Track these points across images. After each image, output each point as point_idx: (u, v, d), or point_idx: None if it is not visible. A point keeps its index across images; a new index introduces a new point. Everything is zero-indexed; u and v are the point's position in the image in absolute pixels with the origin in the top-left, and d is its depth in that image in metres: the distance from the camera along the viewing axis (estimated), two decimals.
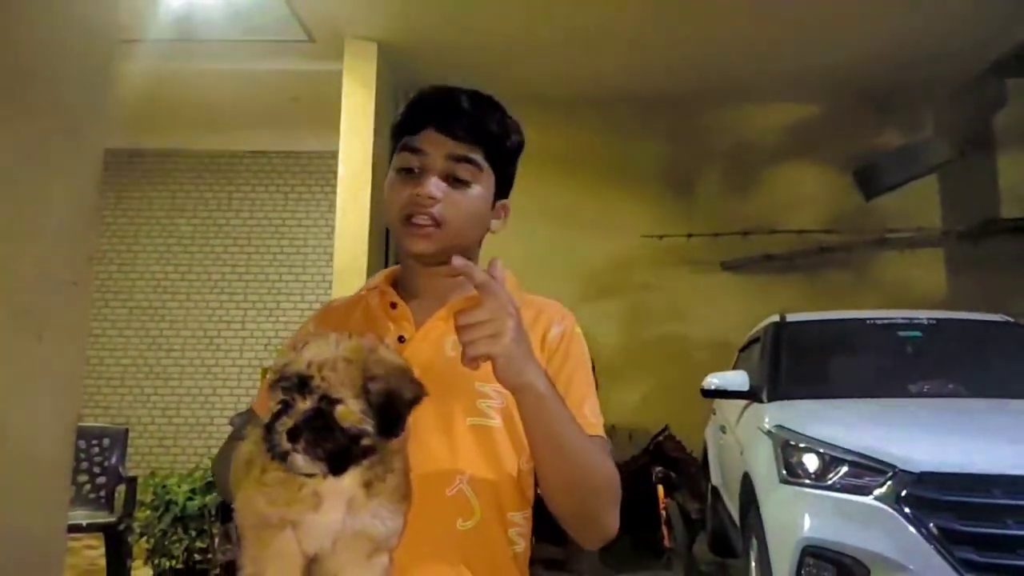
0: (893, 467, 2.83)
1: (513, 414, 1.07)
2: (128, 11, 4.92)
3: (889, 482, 2.81)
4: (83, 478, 4.55)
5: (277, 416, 0.81)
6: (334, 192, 5.74)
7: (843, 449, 3.00)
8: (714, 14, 5.30)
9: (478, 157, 1.15)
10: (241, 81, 6.09)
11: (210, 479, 3.77)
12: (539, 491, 1.13)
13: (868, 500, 2.82)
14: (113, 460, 4.57)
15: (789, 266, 6.46)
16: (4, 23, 1.76)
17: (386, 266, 6.16)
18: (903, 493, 2.76)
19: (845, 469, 2.94)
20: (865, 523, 2.79)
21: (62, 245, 2.10)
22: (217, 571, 2.31)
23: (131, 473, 4.64)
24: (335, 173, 5.71)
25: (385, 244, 6.17)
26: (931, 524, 2.69)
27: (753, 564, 3.44)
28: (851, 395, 3.70)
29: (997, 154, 6.11)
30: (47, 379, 1.97)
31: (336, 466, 0.82)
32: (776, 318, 4.37)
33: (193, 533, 3.62)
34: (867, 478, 2.88)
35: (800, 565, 2.88)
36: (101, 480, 4.58)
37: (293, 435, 0.80)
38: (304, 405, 0.81)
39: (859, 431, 3.12)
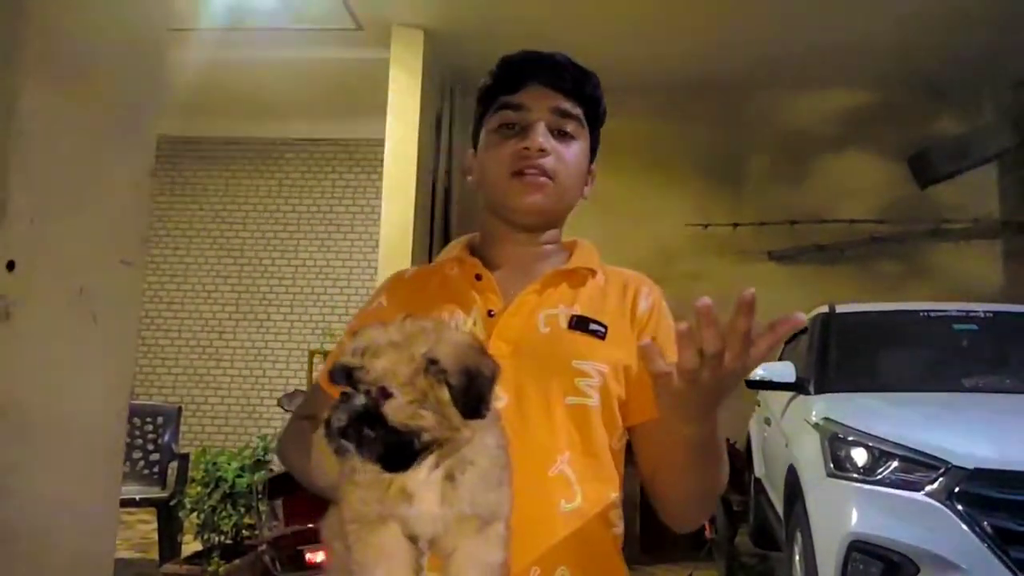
0: (946, 463, 2.75)
1: (609, 392, 1.06)
2: (181, 0, 5.02)
3: (941, 478, 2.74)
4: (137, 455, 4.71)
5: (333, 410, 0.76)
6: (381, 179, 5.79)
7: (893, 443, 2.92)
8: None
9: (580, 114, 1.15)
10: (291, 69, 6.17)
11: (259, 457, 3.86)
12: (650, 491, 1.11)
13: (919, 496, 2.75)
14: (166, 438, 4.72)
15: (839, 257, 6.31)
16: (59, 15, 1.81)
17: (430, 255, 6.26)
18: (956, 490, 2.69)
19: (895, 464, 2.87)
20: (915, 520, 2.72)
21: (117, 227, 2.15)
22: (264, 547, 2.38)
23: (184, 451, 4.78)
24: (382, 161, 5.76)
25: (430, 231, 6.21)
26: (985, 523, 2.61)
27: (797, 558, 3.39)
28: (902, 389, 3.61)
29: None
30: (101, 358, 2.02)
31: (391, 464, 0.76)
32: (825, 309, 4.27)
33: (242, 510, 3.70)
34: (918, 474, 2.80)
35: (847, 560, 2.82)
36: (154, 457, 4.73)
37: (344, 433, 0.75)
38: (358, 400, 0.75)
39: (910, 425, 3.04)
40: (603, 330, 1.10)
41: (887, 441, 2.94)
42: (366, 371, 0.75)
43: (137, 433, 4.70)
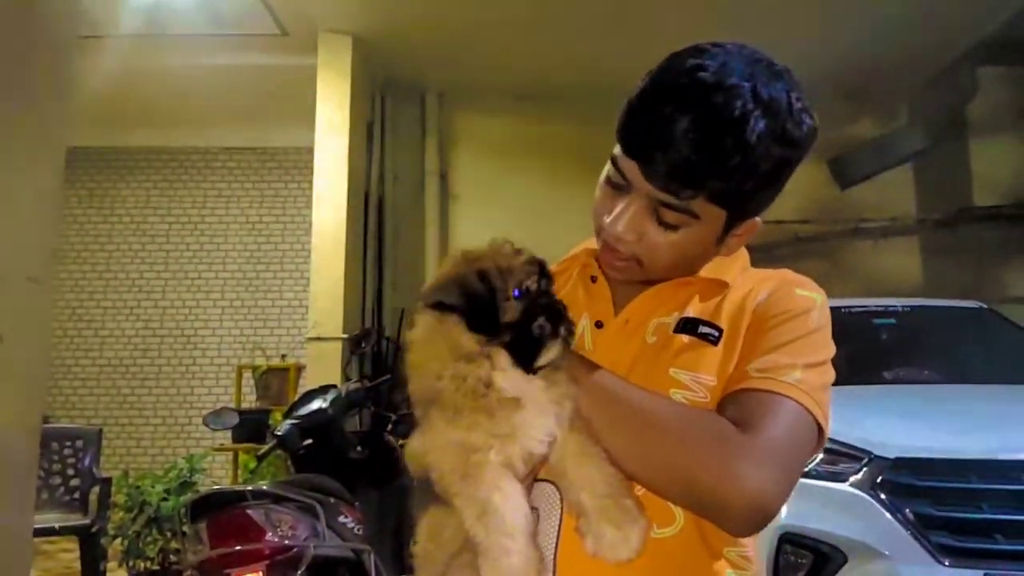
0: (869, 453, 2.84)
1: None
2: (95, 7, 4.84)
3: (865, 469, 2.82)
4: (56, 480, 4.49)
5: None
6: (311, 188, 5.69)
7: None
8: (687, 4, 5.30)
9: (694, 204, 0.91)
10: (213, 76, 6.01)
11: (185, 479, 3.72)
12: None
13: (844, 487, 2.82)
14: (87, 462, 4.50)
15: (767, 257, 6.37)
16: None
17: (364, 265, 6.17)
18: (879, 479, 2.77)
19: (821, 456, 2.94)
20: (842, 510, 2.80)
21: (23, 243, 2.06)
22: (189, 572, 2.29)
23: (106, 475, 4.58)
24: (312, 169, 5.65)
25: (363, 241, 6.12)
26: (907, 510, 2.70)
27: None
28: None
29: (970, 142, 6.17)
30: (10, 379, 1.94)
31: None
32: None
33: (168, 534, 3.57)
34: (843, 465, 2.88)
35: (778, 552, 2.88)
36: (75, 482, 4.51)
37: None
38: None
39: (834, 418, 3.10)
40: (716, 334, 0.97)
41: None
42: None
43: (55, 458, 4.47)
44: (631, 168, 0.91)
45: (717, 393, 0.93)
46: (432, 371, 0.83)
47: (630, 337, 0.98)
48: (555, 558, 0.90)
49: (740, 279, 1.03)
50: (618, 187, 0.95)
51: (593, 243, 1.07)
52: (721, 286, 1.01)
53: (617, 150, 0.94)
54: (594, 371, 0.89)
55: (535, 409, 0.81)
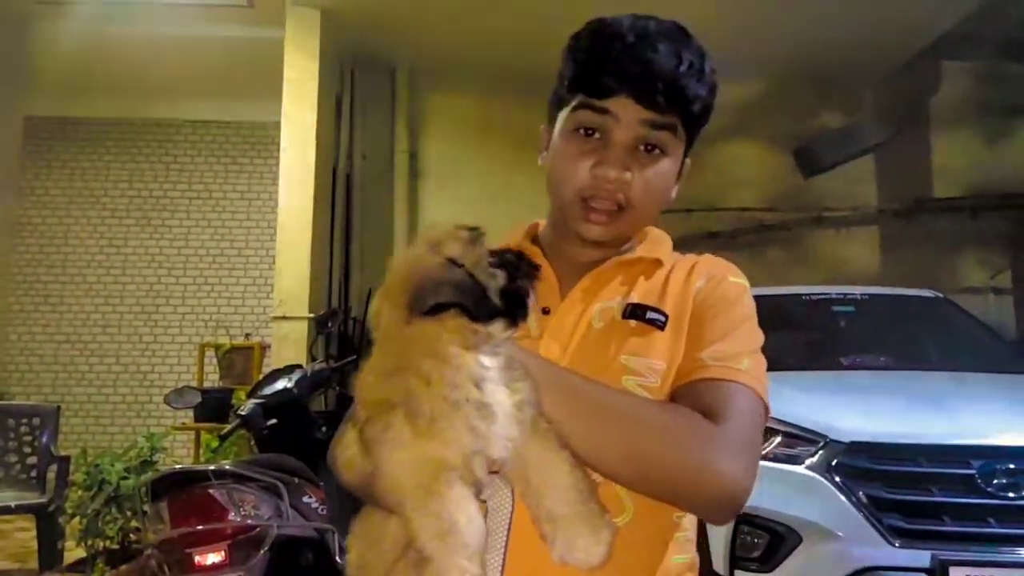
0: (824, 437, 2.90)
1: (666, 394, 0.95)
2: None
3: (820, 452, 2.89)
4: (12, 458, 4.41)
5: None
6: (277, 164, 5.61)
7: (776, 420, 3.06)
8: None
9: (677, 123, 0.98)
10: (177, 47, 5.87)
11: (146, 458, 3.68)
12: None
13: (800, 470, 2.89)
14: (44, 439, 4.42)
15: (731, 243, 6.57)
16: None
17: (331, 242, 6.11)
18: (834, 463, 2.84)
19: (778, 440, 3.01)
20: (798, 492, 2.86)
21: None
22: (150, 551, 2.27)
23: (64, 453, 4.50)
24: (279, 144, 5.57)
25: (331, 218, 6.07)
26: (860, 492, 2.77)
27: None
28: (784, 368, 3.78)
29: (931, 135, 6.30)
30: None
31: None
32: None
33: (128, 513, 3.53)
34: (799, 448, 2.95)
35: (735, 533, 2.95)
36: (31, 460, 4.44)
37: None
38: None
39: (792, 403, 3.18)
40: (663, 319, 0.99)
41: (770, 418, 3.07)
42: None
43: (11, 435, 4.39)
44: (617, 104, 0.95)
45: (666, 376, 0.95)
46: (407, 370, 0.79)
47: (576, 321, 0.99)
48: (505, 553, 0.90)
49: (672, 261, 1.07)
50: (593, 133, 0.98)
51: (527, 226, 1.12)
52: (657, 264, 1.05)
53: (580, 99, 0.98)
54: (555, 371, 0.88)
55: (503, 416, 0.79)
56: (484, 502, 0.82)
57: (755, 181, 6.75)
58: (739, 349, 0.96)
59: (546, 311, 1.00)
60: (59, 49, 5.07)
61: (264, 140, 7.00)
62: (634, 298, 1.01)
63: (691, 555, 1.00)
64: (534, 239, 1.11)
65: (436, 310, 0.78)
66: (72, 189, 7.12)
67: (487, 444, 0.78)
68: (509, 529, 0.91)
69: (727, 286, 1.03)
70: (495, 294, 0.80)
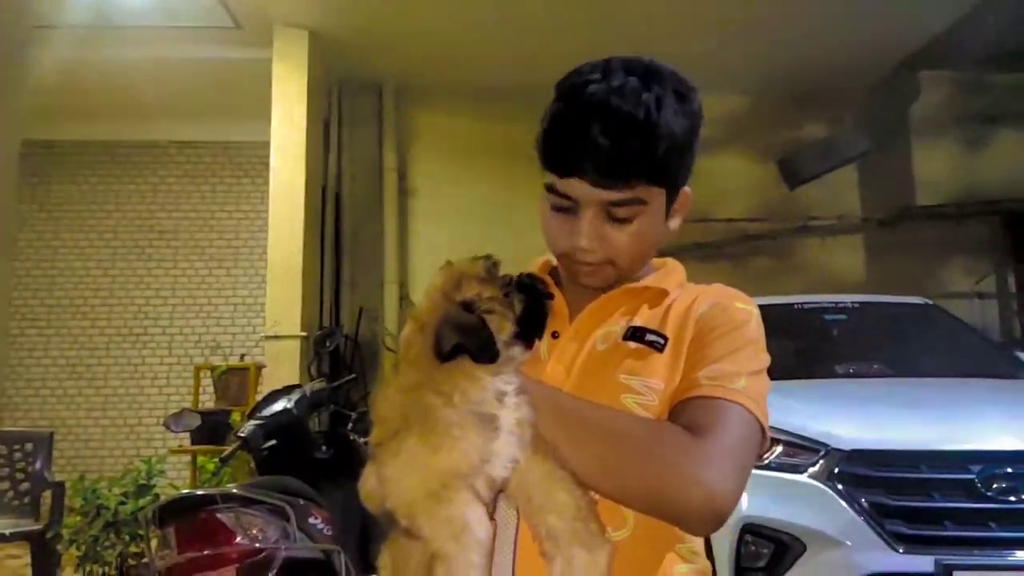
0: (825, 446, 2.93)
1: (665, 413, 0.97)
2: None
3: (821, 460, 2.92)
4: (4, 485, 4.34)
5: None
6: (266, 184, 5.59)
7: (777, 429, 3.08)
8: (646, 7, 5.38)
9: (640, 192, 1.00)
10: (165, 69, 5.86)
11: (143, 482, 3.64)
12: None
13: (802, 478, 2.92)
14: (37, 465, 4.36)
15: (717, 254, 6.62)
16: None
17: (321, 263, 6.09)
18: (835, 470, 2.87)
19: (780, 449, 3.04)
20: (800, 501, 2.89)
21: None
22: None
23: (57, 478, 4.44)
24: (267, 165, 5.56)
25: (320, 239, 6.06)
26: (862, 499, 2.80)
27: None
28: (781, 377, 3.80)
29: (912, 144, 6.40)
30: None
31: None
32: None
33: (127, 538, 3.49)
34: (801, 457, 2.98)
35: (740, 543, 2.96)
36: (25, 486, 4.37)
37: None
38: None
39: (791, 412, 3.21)
40: (662, 341, 1.03)
41: (771, 428, 3.10)
42: None
43: (3, 462, 4.32)
44: (573, 185, 0.99)
45: (664, 396, 0.98)
46: (427, 387, 0.85)
47: (581, 344, 1.04)
48: (513, 569, 0.94)
49: (679, 291, 1.10)
50: (565, 210, 1.02)
51: (544, 261, 1.17)
52: (663, 294, 1.09)
53: (550, 178, 1.02)
54: (549, 392, 0.93)
55: (507, 434, 0.84)
56: (492, 517, 0.84)
57: (741, 192, 6.82)
58: (738, 369, 0.99)
59: (555, 335, 1.06)
60: (45, 72, 5.04)
61: (252, 160, 6.98)
62: (637, 323, 1.05)
63: (698, 565, 1.02)
64: (551, 270, 1.16)
65: (451, 355, 0.84)
66: (58, 212, 7.06)
67: (494, 461, 0.83)
68: (516, 544, 0.94)
69: (733, 311, 1.06)
70: (512, 323, 0.88)
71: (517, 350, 0.88)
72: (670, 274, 1.14)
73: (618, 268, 1.05)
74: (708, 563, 1.04)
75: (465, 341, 0.83)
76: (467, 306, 0.86)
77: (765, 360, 1.06)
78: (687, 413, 0.95)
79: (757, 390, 1.00)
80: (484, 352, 0.84)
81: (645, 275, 1.13)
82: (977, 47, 5.55)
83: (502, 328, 0.86)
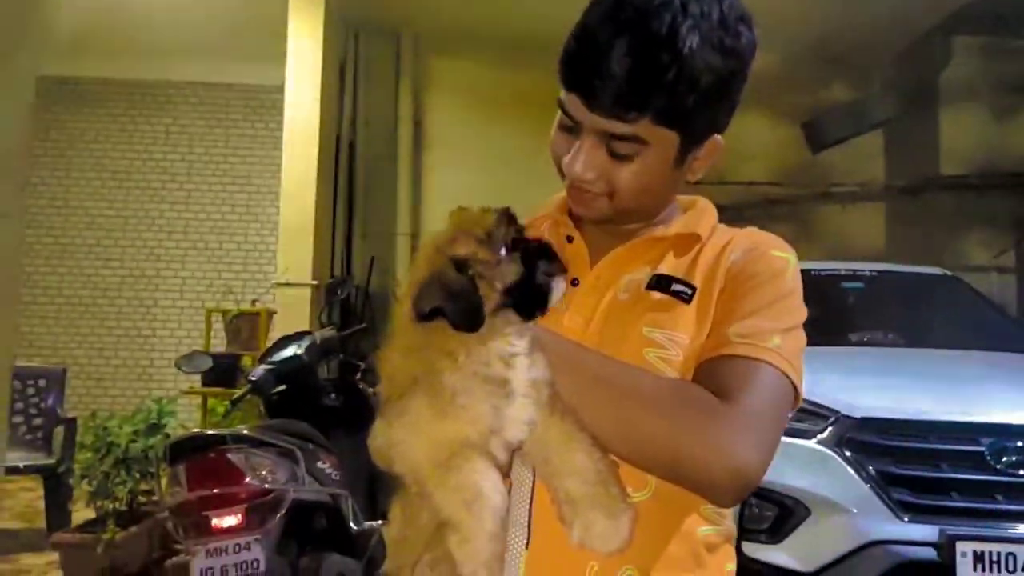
0: (836, 412, 2.92)
1: (691, 369, 0.91)
2: None
3: (831, 427, 2.91)
4: (18, 419, 4.41)
5: None
6: (279, 128, 5.53)
7: None
8: None
9: (641, 130, 0.89)
10: (180, 7, 5.76)
11: (154, 421, 3.68)
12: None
13: (811, 444, 2.91)
14: (50, 401, 4.42)
15: (738, 217, 6.40)
16: None
17: (334, 210, 6.06)
18: (844, 438, 2.87)
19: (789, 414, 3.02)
20: (807, 466, 2.89)
21: None
22: (166, 514, 2.28)
23: (69, 415, 4.50)
24: (281, 108, 5.50)
25: (334, 186, 6.01)
26: (870, 467, 2.80)
27: None
28: None
29: (940, 112, 6.26)
30: None
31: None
32: None
33: (137, 475, 3.54)
34: (810, 423, 2.97)
35: (744, 504, 2.98)
36: (38, 421, 4.44)
37: None
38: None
39: (803, 378, 3.19)
40: (689, 292, 0.95)
41: None
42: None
43: (17, 397, 4.38)
44: (576, 104, 0.90)
45: (690, 350, 0.92)
46: (432, 347, 0.78)
47: (602, 294, 0.97)
48: (529, 529, 0.90)
49: (711, 234, 1.02)
50: (569, 129, 0.94)
51: (562, 197, 1.05)
52: (695, 239, 1.01)
53: (562, 92, 0.93)
54: (565, 348, 0.86)
55: (522, 396, 0.79)
56: (507, 477, 0.81)
57: (763, 155, 6.70)
58: (771, 325, 0.91)
59: (575, 282, 0.98)
60: (62, 8, 4.98)
61: (267, 104, 6.91)
62: (662, 269, 0.97)
63: (722, 526, 0.96)
64: (571, 210, 1.05)
65: (429, 316, 0.77)
66: (71, 150, 7.04)
67: (506, 424, 0.78)
68: (531, 503, 0.90)
69: (768, 259, 0.97)
70: (506, 281, 0.78)
71: (511, 320, 0.79)
72: (701, 216, 1.03)
73: (616, 204, 0.95)
74: (733, 525, 0.99)
75: (445, 305, 0.76)
76: (459, 265, 0.78)
77: (802, 314, 0.96)
78: (715, 374, 0.88)
79: (792, 348, 0.92)
80: (465, 320, 0.76)
81: (671, 217, 1.03)
82: (1011, 13, 5.38)
83: (487, 296, 0.78)
